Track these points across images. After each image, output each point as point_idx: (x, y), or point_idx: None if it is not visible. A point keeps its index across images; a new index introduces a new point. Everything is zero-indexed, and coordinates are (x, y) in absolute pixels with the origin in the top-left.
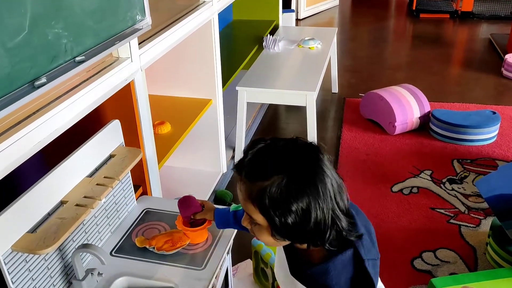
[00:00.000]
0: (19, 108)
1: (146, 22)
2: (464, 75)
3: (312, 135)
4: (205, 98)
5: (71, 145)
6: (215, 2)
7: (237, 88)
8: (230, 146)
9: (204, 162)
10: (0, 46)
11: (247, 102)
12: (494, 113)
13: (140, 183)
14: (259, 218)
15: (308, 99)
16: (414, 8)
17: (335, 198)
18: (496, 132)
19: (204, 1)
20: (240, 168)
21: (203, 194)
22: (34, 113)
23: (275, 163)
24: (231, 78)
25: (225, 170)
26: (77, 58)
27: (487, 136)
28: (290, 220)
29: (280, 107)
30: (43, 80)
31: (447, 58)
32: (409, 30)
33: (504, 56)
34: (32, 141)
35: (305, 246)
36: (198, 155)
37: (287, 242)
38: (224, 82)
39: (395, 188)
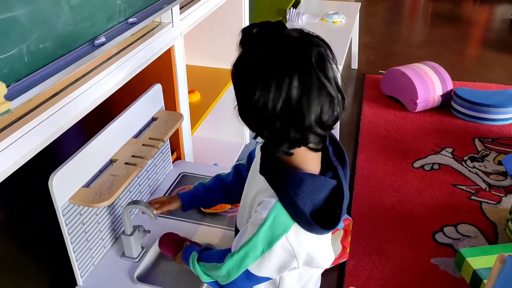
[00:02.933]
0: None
1: None
2: (485, 55)
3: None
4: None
5: (115, 108)
6: None
7: None
8: None
9: (229, 133)
10: (65, 3)
11: None
12: None
13: (174, 148)
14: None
15: None
16: None
17: (299, 100)
18: None
19: None
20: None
21: (228, 163)
22: (83, 75)
23: (265, 34)
24: None
25: (248, 141)
26: (130, 20)
27: (509, 115)
28: (244, 96)
29: None
30: (103, 39)
31: (467, 37)
32: (428, 8)
33: None
34: (86, 100)
35: (283, 154)
36: (223, 126)
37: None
38: None
39: (416, 164)
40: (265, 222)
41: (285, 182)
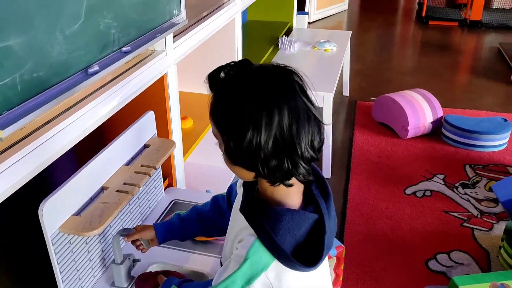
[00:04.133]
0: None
1: (182, 17)
2: (474, 83)
3: (327, 136)
4: None
5: (107, 135)
6: (239, 0)
7: None
8: None
9: (221, 159)
10: (59, 33)
11: None
12: (505, 120)
13: (166, 175)
14: (214, 131)
15: (325, 100)
16: (423, 15)
17: (290, 132)
18: (507, 139)
19: (229, 0)
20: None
21: (220, 189)
22: (76, 103)
23: (236, 73)
24: None
25: None
26: (124, 49)
27: (498, 142)
28: (230, 133)
29: None
30: (96, 67)
31: (456, 65)
32: (418, 36)
33: None
34: (78, 128)
35: (267, 185)
36: (216, 152)
37: (239, 169)
38: None
39: (409, 191)
40: (245, 260)
41: (263, 219)
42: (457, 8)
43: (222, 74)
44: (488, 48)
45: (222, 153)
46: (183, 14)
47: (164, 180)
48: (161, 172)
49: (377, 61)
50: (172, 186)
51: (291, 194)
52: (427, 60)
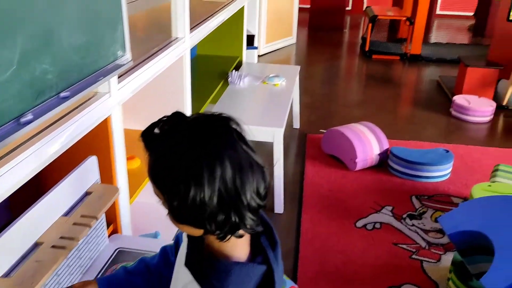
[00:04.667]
0: None
1: (127, 57)
2: (417, 114)
3: (278, 171)
4: None
5: (46, 185)
6: (187, 38)
7: None
8: None
9: None
10: None
11: None
12: (447, 151)
13: (110, 220)
14: (155, 190)
15: (276, 136)
16: (367, 49)
17: (234, 184)
18: (450, 169)
19: (177, 38)
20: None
21: (170, 230)
22: (7, 153)
23: (171, 128)
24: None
25: None
26: (62, 94)
27: (442, 173)
28: (169, 192)
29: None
30: (29, 116)
31: (399, 97)
32: (363, 69)
33: (452, 97)
34: (10, 181)
35: (213, 238)
36: None
37: (186, 227)
38: None
39: (359, 224)
40: None
41: (210, 275)
42: (398, 42)
43: (156, 130)
44: (429, 80)
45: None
46: (128, 55)
47: (108, 227)
48: (104, 220)
49: (325, 94)
50: (117, 232)
51: (239, 246)
52: (372, 92)
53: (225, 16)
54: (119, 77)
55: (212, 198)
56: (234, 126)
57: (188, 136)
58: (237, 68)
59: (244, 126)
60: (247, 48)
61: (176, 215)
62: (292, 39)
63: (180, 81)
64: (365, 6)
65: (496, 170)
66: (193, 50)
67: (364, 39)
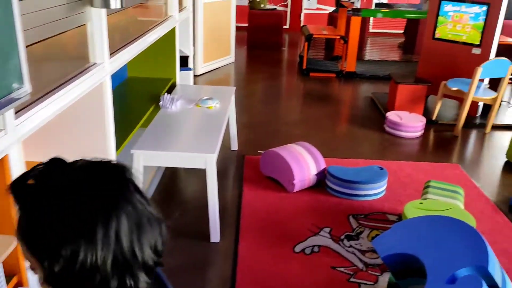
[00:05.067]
0: None
1: (25, 90)
2: (353, 131)
3: (212, 198)
4: None
5: None
6: (107, 63)
7: (132, 151)
8: None
9: None
10: None
11: (144, 166)
12: (382, 168)
13: (14, 272)
14: (26, 255)
15: (208, 162)
16: (304, 67)
17: (131, 242)
18: (385, 186)
19: (95, 63)
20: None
21: None
22: None
23: (51, 178)
24: (126, 141)
25: None
26: None
27: (377, 190)
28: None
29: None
30: None
31: (336, 115)
32: (301, 87)
33: (385, 113)
34: None
35: None
36: None
37: None
38: (118, 145)
39: (297, 248)
40: None
41: None
42: (334, 60)
43: (30, 181)
44: (363, 97)
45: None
46: (27, 86)
47: (10, 280)
48: (2, 273)
49: (264, 113)
50: (22, 285)
51: None
52: (310, 110)
53: (154, 38)
54: (17, 112)
55: (106, 261)
56: (128, 175)
57: (75, 188)
58: (171, 90)
59: (138, 175)
60: (181, 70)
61: (56, 284)
62: (230, 58)
63: (101, 109)
64: (302, 24)
65: (427, 186)
66: (123, 72)
67: (301, 57)
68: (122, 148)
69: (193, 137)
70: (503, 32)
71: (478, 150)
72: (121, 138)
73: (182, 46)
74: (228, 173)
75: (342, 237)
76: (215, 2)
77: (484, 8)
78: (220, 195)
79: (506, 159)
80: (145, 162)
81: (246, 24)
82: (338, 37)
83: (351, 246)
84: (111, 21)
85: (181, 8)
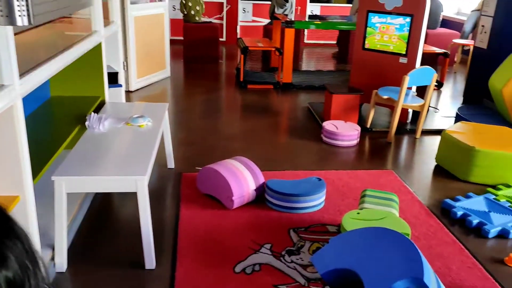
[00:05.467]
0: None
1: None
2: (291, 143)
3: (145, 222)
4: (9, 195)
5: None
6: (17, 85)
7: (53, 178)
8: (48, 244)
9: None
10: None
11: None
12: (320, 179)
13: None
14: None
15: (138, 185)
16: (241, 80)
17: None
18: (323, 197)
19: (3, 85)
20: None
21: None
22: None
23: None
24: (45, 168)
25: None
26: None
27: (316, 202)
28: None
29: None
30: None
31: (275, 126)
32: (239, 100)
33: (322, 123)
34: None
35: None
36: None
37: None
38: (36, 172)
39: (238, 268)
40: None
41: None
42: (271, 71)
43: None
44: (301, 107)
45: None
46: None
47: None
48: None
49: (202, 127)
50: None
51: None
52: (249, 123)
53: (75, 55)
54: None
55: None
56: (8, 214)
57: None
58: (99, 109)
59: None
60: (110, 87)
61: None
62: (166, 72)
63: (12, 136)
64: (238, 37)
65: (364, 196)
66: (45, 92)
67: (238, 69)
68: (40, 176)
69: (122, 158)
70: (426, 41)
71: (410, 155)
72: (40, 165)
73: (111, 62)
74: (164, 192)
75: (283, 252)
76: (147, 16)
77: (408, 19)
78: (156, 217)
79: (436, 163)
80: (69, 189)
81: (181, 37)
82: (274, 49)
83: (292, 261)
84: (31, 37)
85: (108, 22)
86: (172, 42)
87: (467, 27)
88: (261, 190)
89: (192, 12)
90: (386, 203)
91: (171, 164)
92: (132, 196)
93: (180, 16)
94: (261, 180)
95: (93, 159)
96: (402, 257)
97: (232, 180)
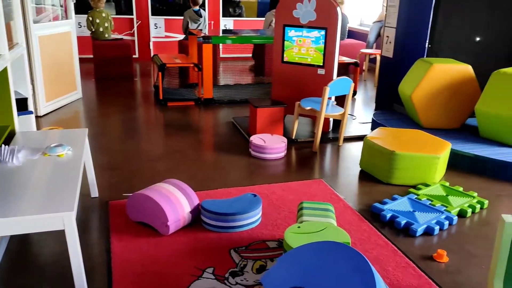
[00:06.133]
0: None
1: None
2: (220, 159)
3: (76, 262)
4: None
5: None
6: None
7: None
8: None
9: None
10: None
11: None
12: (255, 195)
13: None
14: None
15: (66, 222)
16: (161, 98)
17: None
18: (260, 213)
19: None
20: None
21: None
22: None
23: None
24: None
25: None
26: None
27: (253, 219)
28: None
29: None
30: None
31: (201, 144)
32: (160, 119)
33: (249, 137)
34: None
35: None
36: None
37: None
38: None
39: None
40: None
41: None
42: (190, 87)
43: None
44: (225, 123)
45: None
46: None
47: None
48: None
49: (125, 150)
50: None
51: None
52: (173, 142)
53: None
54: None
55: None
56: None
57: None
58: (9, 140)
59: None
60: (19, 114)
61: None
62: (77, 94)
63: None
64: (152, 53)
65: (301, 208)
66: None
67: (156, 87)
68: None
69: (44, 194)
70: (339, 53)
71: (336, 163)
72: None
73: (18, 87)
74: (91, 225)
75: (227, 275)
76: (52, 35)
77: (323, 32)
78: (85, 254)
79: (360, 168)
80: None
81: (91, 56)
82: (192, 65)
83: (237, 283)
84: None
85: (12, 44)
86: (82, 60)
87: (371, 37)
88: (196, 212)
89: (101, 29)
90: (323, 214)
91: (95, 193)
92: (53, 232)
93: (87, 33)
94: (196, 201)
95: (9, 198)
96: (353, 270)
97: (166, 204)
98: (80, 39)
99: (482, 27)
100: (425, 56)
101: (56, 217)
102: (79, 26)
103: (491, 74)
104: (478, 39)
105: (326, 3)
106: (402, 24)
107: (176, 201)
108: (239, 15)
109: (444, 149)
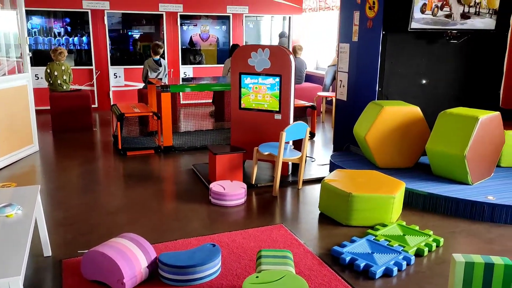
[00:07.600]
0: None
1: None
2: (180, 209)
3: None
4: None
5: None
6: None
7: None
8: None
9: None
10: None
11: None
12: (214, 245)
13: None
14: None
15: (13, 287)
16: (120, 147)
17: None
18: (219, 264)
19: None
20: None
21: None
22: None
23: None
24: None
25: None
26: None
27: (213, 270)
28: None
29: None
30: None
31: (161, 193)
32: (120, 169)
33: (208, 184)
34: None
35: None
36: None
37: None
38: None
39: None
40: None
41: None
42: (150, 136)
43: None
44: (185, 170)
45: None
46: None
47: None
48: None
49: (82, 204)
50: None
51: None
52: (134, 193)
53: None
54: None
55: None
56: None
57: None
58: None
59: None
60: None
61: None
62: (34, 147)
63: None
64: (112, 102)
65: (259, 257)
66: None
67: (115, 137)
68: None
69: None
70: (294, 96)
71: (296, 207)
72: None
73: None
74: (42, 287)
75: None
76: (7, 89)
77: (277, 79)
78: None
79: (319, 211)
80: None
81: (48, 107)
82: (151, 113)
83: None
84: None
85: None
86: (40, 112)
87: (327, 81)
88: (154, 266)
89: (59, 82)
90: (281, 262)
91: (47, 251)
92: None
93: (45, 84)
94: (153, 255)
95: None
96: None
97: (121, 260)
98: (38, 90)
99: (425, 72)
100: (376, 99)
101: (2, 283)
102: (36, 78)
103: (438, 115)
104: (424, 81)
105: (279, 51)
106: (353, 69)
107: (132, 256)
108: (199, 63)
109: (398, 188)
